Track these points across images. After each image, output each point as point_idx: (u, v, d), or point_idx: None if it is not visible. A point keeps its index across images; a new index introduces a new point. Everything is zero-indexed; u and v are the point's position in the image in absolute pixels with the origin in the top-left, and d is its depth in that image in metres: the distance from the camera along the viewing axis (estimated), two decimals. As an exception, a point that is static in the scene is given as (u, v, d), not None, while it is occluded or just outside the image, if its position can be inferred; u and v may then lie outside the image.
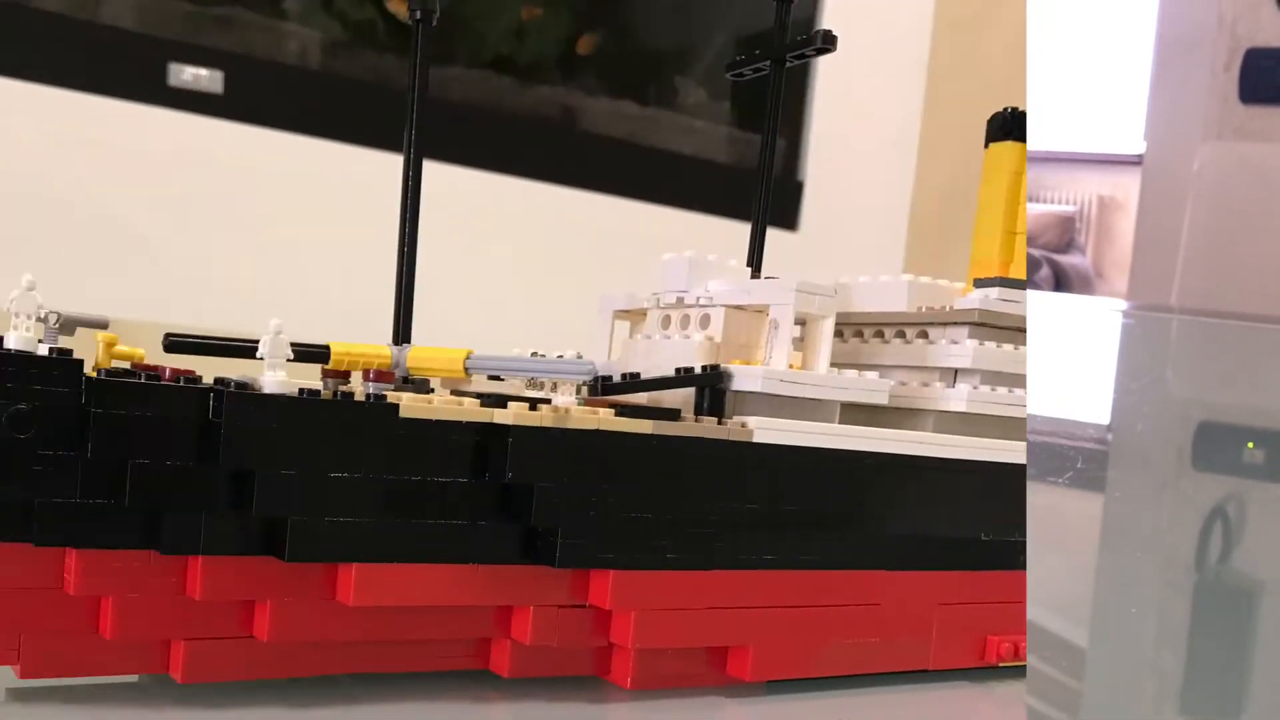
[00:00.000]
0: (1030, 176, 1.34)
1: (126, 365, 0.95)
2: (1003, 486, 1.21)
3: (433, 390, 1.11)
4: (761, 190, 1.26)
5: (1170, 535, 1.28)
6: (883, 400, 1.16)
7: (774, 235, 1.27)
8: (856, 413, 1.17)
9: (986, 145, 1.33)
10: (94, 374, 0.88)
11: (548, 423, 0.97)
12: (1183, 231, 4.11)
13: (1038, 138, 1.30)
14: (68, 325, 0.92)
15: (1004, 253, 1.30)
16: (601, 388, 1.03)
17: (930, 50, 3.58)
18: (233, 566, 0.92)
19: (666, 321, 1.20)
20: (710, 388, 1.08)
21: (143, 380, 0.88)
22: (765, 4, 1.27)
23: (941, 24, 3.59)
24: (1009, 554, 1.22)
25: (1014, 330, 1.25)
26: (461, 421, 0.96)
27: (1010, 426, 1.24)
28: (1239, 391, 2.26)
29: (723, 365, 1.09)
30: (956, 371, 1.23)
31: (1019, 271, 1.29)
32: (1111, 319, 3.57)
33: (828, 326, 1.13)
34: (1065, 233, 5.99)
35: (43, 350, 0.87)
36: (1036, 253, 5.52)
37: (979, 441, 1.20)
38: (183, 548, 0.90)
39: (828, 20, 3.20)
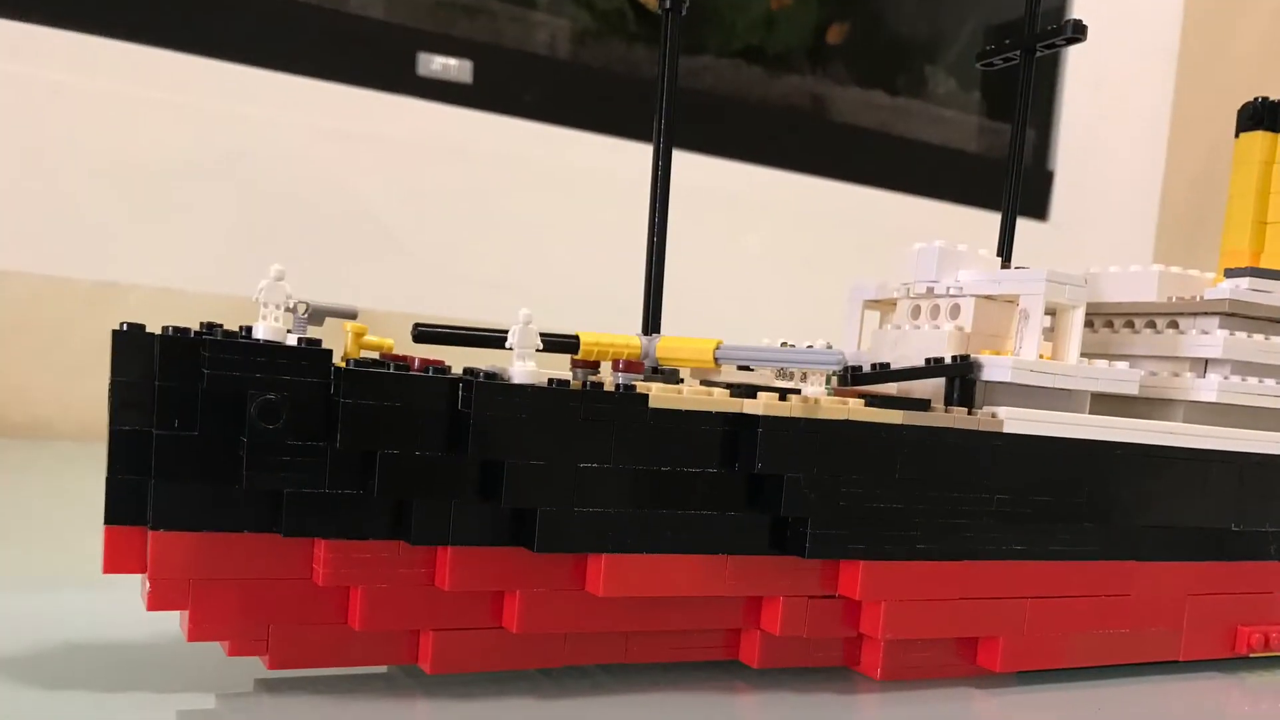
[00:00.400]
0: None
1: (375, 355, 0.88)
2: (1254, 477, 1.12)
3: (682, 380, 1.03)
4: (1011, 180, 1.18)
5: None
6: (1133, 390, 1.06)
7: (1024, 225, 1.18)
8: (1106, 403, 1.07)
9: (1237, 135, 1.24)
10: (343, 364, 0.81)
11: (797, 413, 0.89)
12: None
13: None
14: (316, 315, 0.85)
15: (1255, 243, 1.21)
16: (851, 378, 0.98)
17: (1181, 39, 3.40)
18: (482, 557, 0.85)
19: (916, 311, 1.10)
20: (960, 378, 1.00)
21: (392, 370, 0.81)
22: (1014, -6, 1.17)
23: (1192, 12, 3.41)
24: (1260, 544, 1.14)
25: (1265, 320, 1.16)
26: (711, 412, 0.88)
27: (1262, 417, 1.14)
28: None
29: (972, 355, 1.01)
30: (1207, 362, 1.14)
31: (1270, 261, 1.20)
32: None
33: (1078, 317, 1.04)
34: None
35: (291, 340, 0.80)
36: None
37: (1230, 432, 1.10)
38: (432, 538, 0.83)
39: (1078, 9, 3.10)
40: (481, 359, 0.95)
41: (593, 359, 1.00)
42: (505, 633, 0.88)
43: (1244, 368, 1.13)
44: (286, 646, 0.84)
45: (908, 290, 1.11)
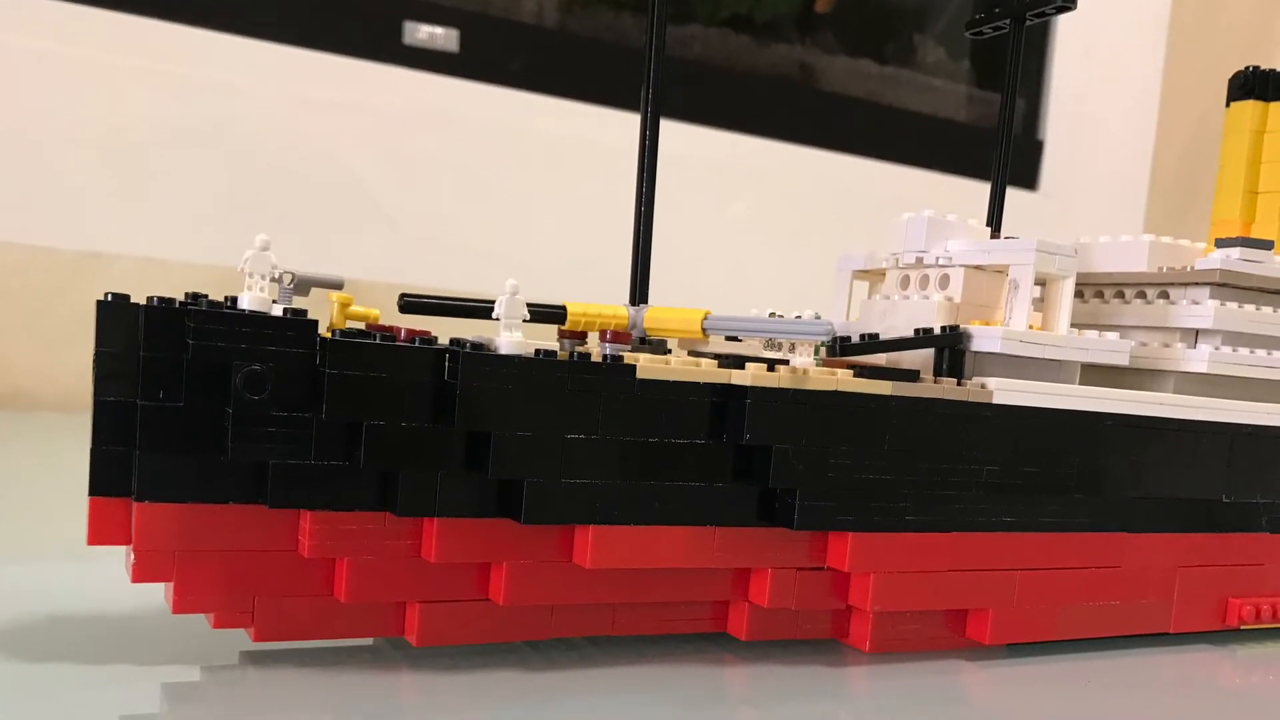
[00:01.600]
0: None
1: (361, 326, 0.88)
2: (1244, 448, 1.12)
3: (670, 351, 1.03)
4: (1001, 149, 1.17)
5: None
6: (1123, 361, 1.07)
7: (1014, 195, 1.19)
8: (1097, 374, 1.08)
9: (1228, 104, 1.24)
10: (329, 334, 0.81)
11: (786, 384, 0.89)
12: None
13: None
14: (302, 285, 0.85)
15: (1246, 212, 1.22)
16: (840, 348, 0.97)
17: (1171, 7, 3.38)
18: (468, 529, 0.85)
19: (905, 282, 1.10)
20: (949, 348, 1.01)
21: (378, 341, 0.80)
22: (1006, -39, 1.18)
23: (1183, -20, 3.40)
24: (1251, 516, 1.14)
25: (1256, 291, 1.16)
26: (699, 383, 0.88)
27: (1252, 387, 1.15)
28: None
29: (962, 326, 1.01)
30: (1198, 332, 1.14)
31: (1261, 231, 1.21)
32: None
33: (1068, 287, 1.04)
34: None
35: (277, 311, 0.80)
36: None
37: (1220, 403, 1.11)
38: (418, 510, 0.83)
39: (1068, -23, 3.07)
40: (468, 329, 0.95)
41: (580, 330, 0.99)
42: (492, 605, 0.88)
43: (1235, 338, 1.13)
44: (272, 619, 0.84)
45: (897, 260, 1.11)
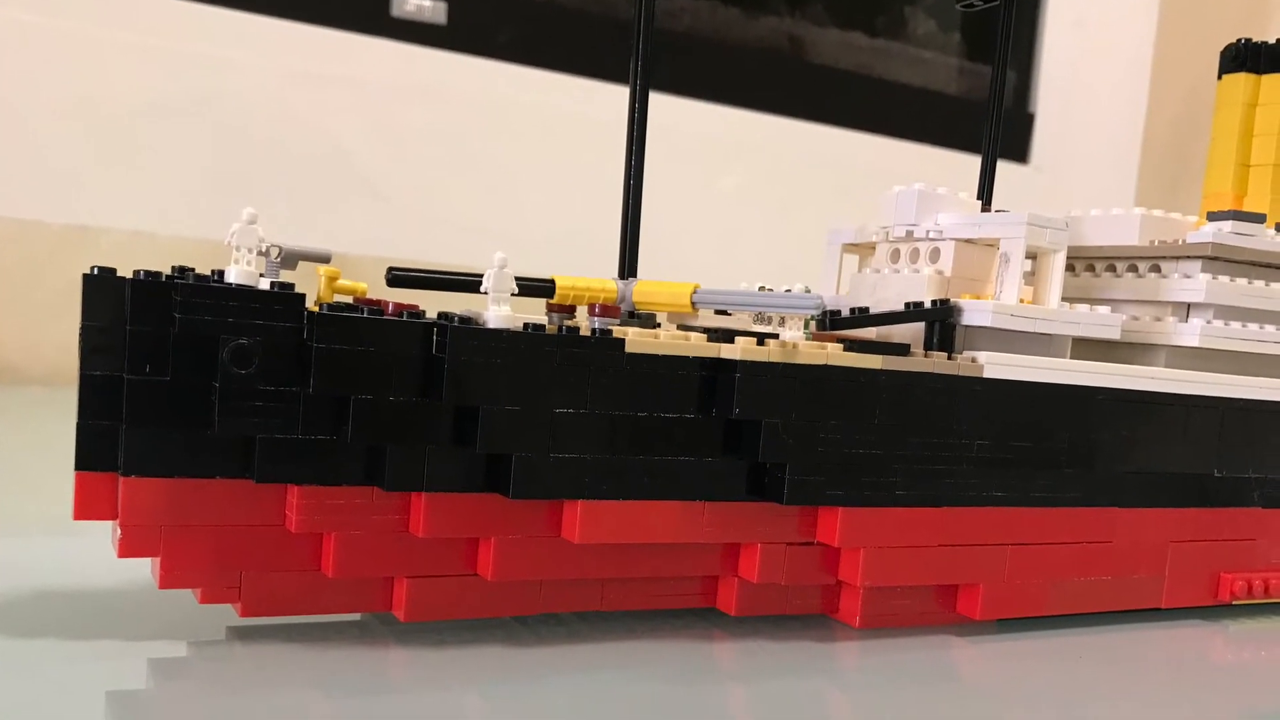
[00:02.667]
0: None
1: (349, 300, 0.88)
2: (1236, 422, 1.13)
3: (659, 325, 1.03)
4: (992, 122, 1.17)
5: None
6: (1115, 335, 1.07)
7: (1004, 168, 1.18)
8: (1088, 348, 1.08)
9: (1220, 76, 1.25)
10: (316, 308, 0.81)
11: (775, 358, 0.89)
12: None
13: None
14: (289, 259, 0.86)
15: (1238, 185, 1.23)
16: (830, 322, 0.96)
17: (1163, -22, 3.40)
18: (456, 503, 0.85)
19: (895, 255, 1.10)
20: (940, 322, 1.00)
21: (365, 315, 0.80)
22: (997, -67, 1.18)
23: (1174, -48, 3.40)
24: (1243, 491, 1.15)
25: (1248, 264, 1.16)
26: (688, 357, 0.88)
27: (1244, 362, 1.15)
28: None
29: (953, 300, 1.01)
30: (1189, 306, 1.14)
31: (1253, 204, 1.22)
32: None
33: (1059, 261, 1.04)
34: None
35: (264, 284, 0.80)
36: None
37: (1212, 377, 1.11)
38: (406, 484, 0.83)
39: (1060, -50, 3.09)
40: (456, 303, 0.94)
41: (568, 303, 1.00)
42: (480, 580, 0.88)
43: (1226, 312, 1.13)
44: (259, 594, 0.84)
45: (887, 234, 1.11)
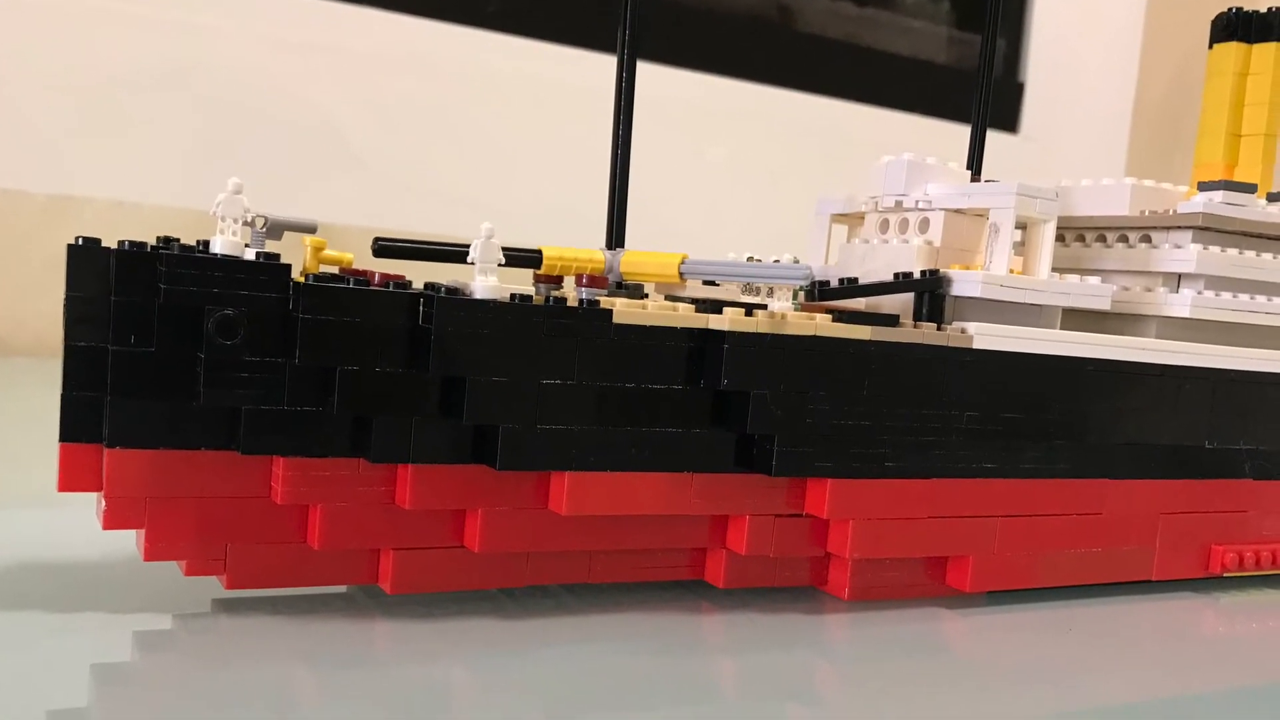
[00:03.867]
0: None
1: (335, 270, 0.88)
2: (1227, 394, 1.13)
3: (646, 296, 1.03)
4: (981, 92, 1.17)
5: None
6: (1105, 306, 1.07)
7: (994, 138, 1.19)
8: (1078, 318, 1.08)
9: (1211, 46, 1.25)
10: (302, 279, 0.81)
11: (764, 328, 0.89)
12: None
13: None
14: (275, 229, 0.85)
15: (1228, 155, 1.23)
16: (818, 293, 0.97)
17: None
18: (443, 475, 0.85)
19: (884, 225, 1.10)
20: (929, 293, 1.01)
21: (351, 285, 0.81)
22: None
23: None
24: (1234, 462, 1.15)
25: (1239, 234, 1.16)
26: (676, 328, 0.89)
27: (1235, 332, 1.15)
28: None
29: (942, 270, 1.01)
30: (1180, 276, 1.14)
31: (1244, 174, 1.21)
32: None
33: (1049, 231, 1.04)
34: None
35: (249, 255, 0.80)
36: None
37: (1203, 348, 1.11)
38: (392, 456, 0.84)
39: (1050, -82, 3.08)
40: (443, 274, 0.94)
41: (556, 274, 1.00)
42: (467, 552, 0.88)
43: (1217, 282, 1.13)
44: (244, 566, 0.85)
45: (876, 204, 1.11)
